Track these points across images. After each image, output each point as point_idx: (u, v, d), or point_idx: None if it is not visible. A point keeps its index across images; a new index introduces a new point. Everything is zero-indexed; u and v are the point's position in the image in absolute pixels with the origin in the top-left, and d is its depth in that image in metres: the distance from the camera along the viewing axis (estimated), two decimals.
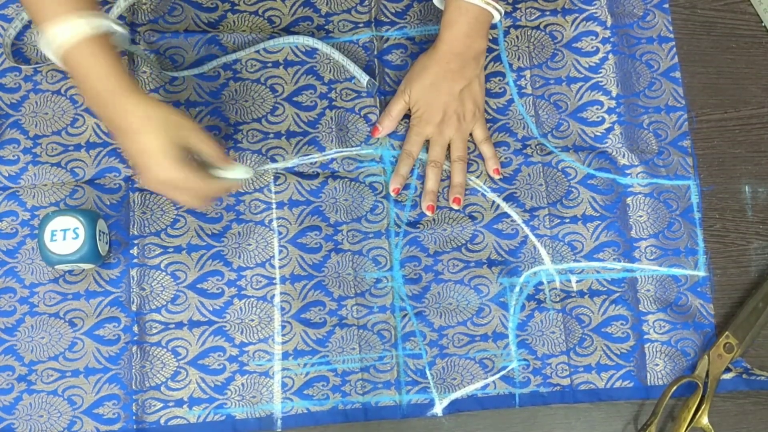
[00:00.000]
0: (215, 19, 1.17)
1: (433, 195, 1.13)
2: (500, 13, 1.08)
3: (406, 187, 1.14)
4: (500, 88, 1.18)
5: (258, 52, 1.16)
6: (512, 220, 1.15)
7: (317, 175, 1.14)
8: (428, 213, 1.13)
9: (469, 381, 1.11)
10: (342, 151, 1.15)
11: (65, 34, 0.91)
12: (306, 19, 1.18)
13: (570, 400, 1.11)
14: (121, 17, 1.16)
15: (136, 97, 0.95)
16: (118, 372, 1.09)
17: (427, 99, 1.11)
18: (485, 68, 1.18)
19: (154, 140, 0.95)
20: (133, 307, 1.10)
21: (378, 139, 1.15)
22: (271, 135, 1.15)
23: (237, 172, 1.03)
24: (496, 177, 1.14)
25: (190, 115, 1.01)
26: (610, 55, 1.18)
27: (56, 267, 1.07)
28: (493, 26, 1.18)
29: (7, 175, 1.13)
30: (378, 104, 1.16)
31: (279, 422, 1.09)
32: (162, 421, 1.09)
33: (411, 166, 1.14)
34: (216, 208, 1.13)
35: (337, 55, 1.16)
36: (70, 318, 1.10)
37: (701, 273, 1.14)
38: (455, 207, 1.13)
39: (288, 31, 1.17)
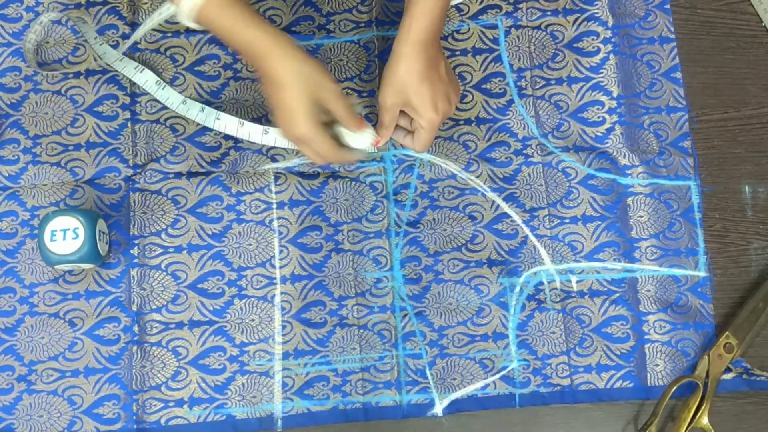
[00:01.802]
0: None
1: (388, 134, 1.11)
2: None
3: (406, 186, 1.14)
4: (500, 89, 1.18)
5: None
6: (512, 221, 1.15)
7: (318, 174, 1.14)
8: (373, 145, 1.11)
9: (469, 381, 1.11)
10: None
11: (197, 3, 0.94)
12: (307, 19, 1.18)
13: (570, 400, 1.11)
14: (121, 17, 1.16)
15: (283, 47, 0.98)
16: (118, 372, 1.09)
17: (427, 96, 1.06)
18: (485, 69, 1.18)
19: (296, 97, 0.99)
20: (134, 307, 1.10)
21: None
22: None
23: (360, 139, 1.06)
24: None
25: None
26: (611, 56, 1.18)
27: (56, 267, 1.07)
28: (494, 26, 1.18)
29: (7, 175, 1.13)
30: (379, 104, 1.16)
31: (279, 422, 1.09)
32: (162, 421, 1.09)
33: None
34: (216, 208, 1.13)
35: None
36: (70, 318, 1.10)
37: (702, 273, 1.14)
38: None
39: (289, 30, 1.17)
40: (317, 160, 1.05)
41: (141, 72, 1.14)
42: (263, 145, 1.14)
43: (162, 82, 1.14)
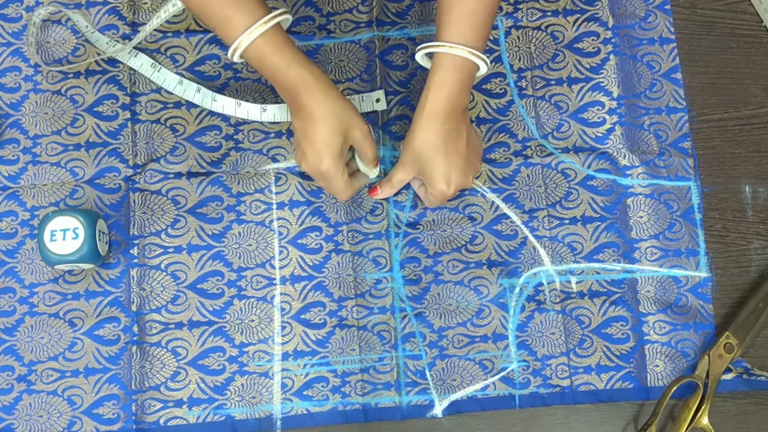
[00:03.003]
0: None
1: (389, 192, 1.13)
2: (487, 66, 1.03)
3: (405, 187, 1.14)
4: (501, 89, 1.17)
5: None
6: (512, 221, 1.15)
7: None
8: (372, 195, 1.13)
9: (469, 382, 1.11)
10: None
11: (246, 40, 0.98)
12: (307, 19, 1.18)
13: (570, 401, 1.11)
14: (121, 17, 1.16)
15: (324, 87, 1.01)
16: (117, 372, 1.09)
17: (442, 170, 1.05)
18: None
19: (329, 133, 1.02)
20: (133, 307, 1.10)
21: (380, 140, 1.15)
22: (272, 135, 1.15)
23: (373, 172, 1.09)
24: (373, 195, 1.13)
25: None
26: (612, 56, 1.18)
27: (56, 267, 1.07)
28: (494, 26, 1.17)
29: (6, 175, 1.13)
30: None
31: (279, 423, 1.09)
32: (161, 422, 1.09)
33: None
34: (217, 209, 1.13)
35: None
36: (69, 318, 1.10)
37: (702, 274, 1.14)
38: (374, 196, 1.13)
39: (289, 31, 1.16)
40: (330, 193, 1.09)
41: (135, 56, 1.14)
42: (264, 146, 1.14)
43: (157, 64, 1.14)
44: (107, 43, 1.15)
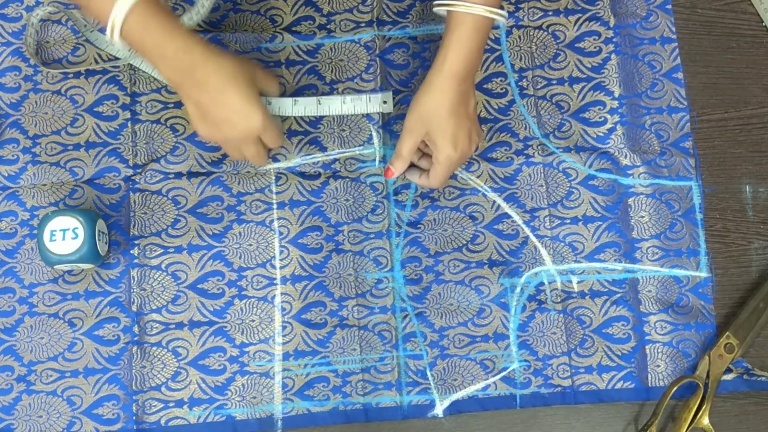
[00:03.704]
0: (217, 19, 1.17)
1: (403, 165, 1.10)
2: (505, 19, 1.02)
3: (406, 186, 1.14)
4: (502, 89, 1.17)
5: (259, 51, 1.16)
6: (513, 221, 1.14)
7: (319, 175, 1.14)
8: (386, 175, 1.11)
9: (470, 382, 1.11)
10: (344, 152, 1.15)
11: (118, 17, 0.92)
12: (308, 18, 1.18)
13: (571, 401, 1.11)
14: None
15: (214, 50, 0.98)
16: (117, 372, 1.09)
17: (450, 131, 1.04)
18: (487, 69, 1.18)
19: (245, 90, 0.99)
20: (134, 308, 1.10)
21: (381, 139, 1.15)
22: None
23: (285, 102, 1.10)
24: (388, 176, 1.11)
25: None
26: (613, 56, 1.18)
27: (56, 267, 1.07)
28: (495, 26, 1.17)
29: (6, 174, 1.12)
30: None
31: (279, 423, 1.09)
32: (162, 422, 1.09)
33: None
34: (217, 209, 1.13)
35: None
36: (69, 318, 1.10)
37: (703, 274, 1.14)
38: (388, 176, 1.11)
39: (290, 30, 1.17)
40: (274, 144, 1.07)
41: (136, 54, 1.14)
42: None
43: None
44: (107, 42, 1.14)
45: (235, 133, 1.00)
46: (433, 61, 1.03)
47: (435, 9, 1.03)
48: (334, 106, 1.13)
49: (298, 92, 1.16)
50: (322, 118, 1.15)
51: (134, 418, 1.08)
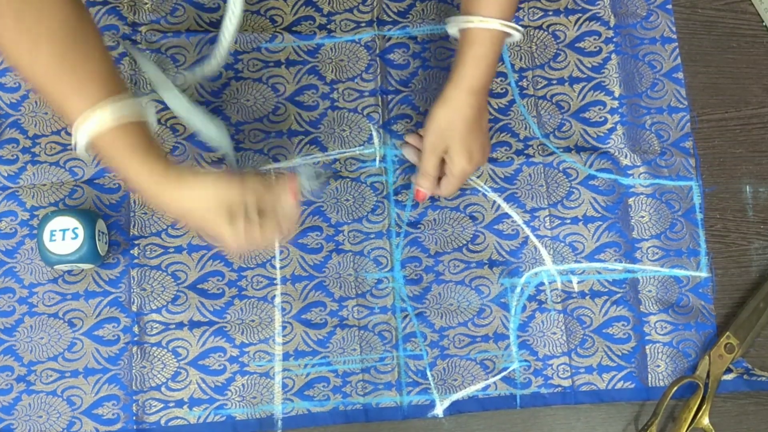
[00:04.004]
0: (217, 19, 1.17)
1: (429, 182, 1.10)
2: (521, 34, 1.02)
3: (406, 186, 1.14)
4: (502, 89, 1.17)
5: (259, 51, 1.16)
6: (513, 221, 1.14)
7: (319, 175, 1.14)
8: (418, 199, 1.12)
9: (470, 382, 1.11)
10: (345, 152, 1.15)
11: (90, 128, 0.86)
12: (308, 18, 1.18)
13: (571, 401, 1.11)
14: (121, 17, 1.16)
15: (179, 175, 0.90)
16: (117, 372, 1.09)
17: (469, 145, 1.05)
18: None
19: (220, 216, 0.91)
20: (133, 308, 1.10)
21: (381, 139, 1.15)
22: (273, 134, 1.15)
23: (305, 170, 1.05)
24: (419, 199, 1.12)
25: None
26: (613, 56, 1.18)
27: (55, 267, 1.07)
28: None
29: (6, 174, 1.12)
30: (380, 103, 1.16)
31: (279, 423, 1.09)
32: (162, 422, 1.09)
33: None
34: None
35: None
36: (69, 318, 1.10)
37: (703, 274, 1.14)
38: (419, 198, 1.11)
39: (290, 30, 1.17)
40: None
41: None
42: (265, 145, 1.14)
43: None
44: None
45: (220, 245, 0.96)
46: (450, 76, 1.04)
47: (449, 29, 1.04)
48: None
49: (298, 92, 1.16)
50: (322, 118, 1.15)
51: (134, 418, 1.08)
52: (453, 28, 1.03)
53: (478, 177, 1.15)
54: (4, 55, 0.87)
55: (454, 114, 1.04)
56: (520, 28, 1.01)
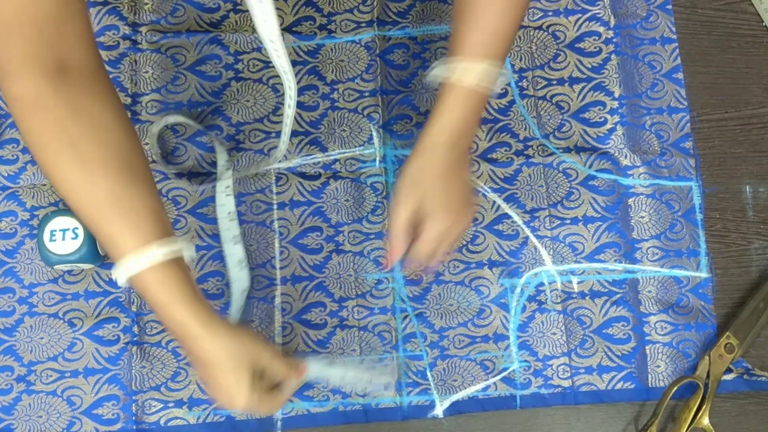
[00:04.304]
0: (217, 19, 1.17)
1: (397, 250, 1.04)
2: (506, 77, 0.97)
3: None
4: (501, 89, 1.17)
5: (260, 51, 1.16)
6: (513, 221, 1.14)
7: (319, 175, 1.14)
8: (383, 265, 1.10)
9: (470, 382, 1.11)
10: (345, 152, 1.15)
11: (135, 266, 0.87)
12: (308, 19, 1.18)
13: (571, 401, 1.11)
14: (122, 17, 1.15)
15: (211, 329, 0.90)
16: (117, 372, 1.09)
17: (441, 194, 0.99)
18: None
19: (229, 376, 0.91)
20: (133, 308, 1.10)
21: (381, 139, 1.15)
22: (273, 134, 1.15)
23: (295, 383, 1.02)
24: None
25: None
26: (613, 56, 1.18)
27: (55, 267, 1.07)
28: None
29: (6, 174, 1.12)
30: (380, 104, 1.16)
31: (279, 423, 1.09)
32: (162, 422, 1.08)
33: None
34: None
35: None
36: (69, 318, 1.10)
37: (703, 274, 1.14)
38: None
39: (290, 30, 1.17)
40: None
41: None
42: (265, 146, 1.14)
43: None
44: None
45: (221, 405, 0.95)
46: (424, 125, 0.98)
47: (427, 80, 1.00)
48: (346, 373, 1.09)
49: (299, 92, 1.15)
50: (323, 118, 1.15)
51: (134, 418, 1.08)
52: (433, 78, 0.98)
53: (477, 177, 1.15)
54: (55, 188, 0.88)
55: (424, 161, 0.98)
56: (507, 72, 0.97)
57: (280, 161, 1.14)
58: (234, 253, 1.09)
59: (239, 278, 1.10)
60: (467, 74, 0.94)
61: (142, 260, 0.86)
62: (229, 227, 1.11)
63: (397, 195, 1.00)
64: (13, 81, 0.82)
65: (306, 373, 1.00)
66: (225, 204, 1.12)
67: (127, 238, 0.86)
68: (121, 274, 0.87)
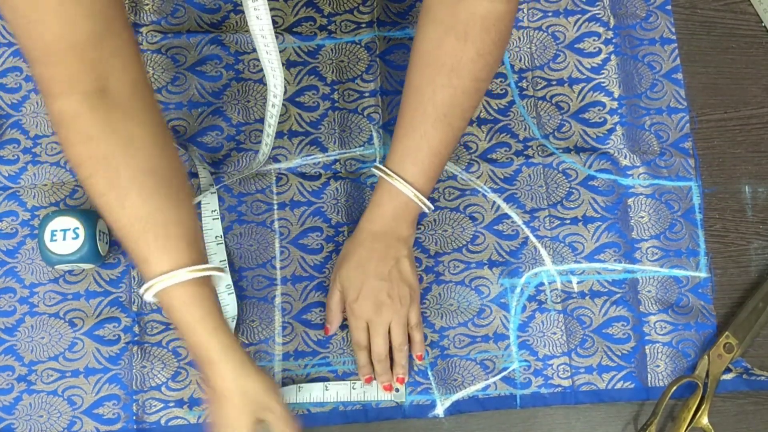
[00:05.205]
0: (218, 20, 1.17)
1: (387, 375, 1.08)
2: (430, 210, 1.04)
3: None
4: (501, 90, 1.17)
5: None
6: (513, 221, 1.15)
7: (319, 176, 1.14)
8: (387, 392, 1.09)
9: (470, 382, 1.11)
10: (345, 152, 1.15)
11: (164, 288, 0.89)
12: (308, 20, 1.18)
13: (571, 401, 1.11)
14: None
15: (233, 362, 0.92)
16: (118, 372, 1.09)
17: (356, 284, 1.05)
18: None
19: (237, 414, 0.93)
20: (134, 308, 1.10)
21: (381, 140, 1.15)
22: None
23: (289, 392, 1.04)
24: (418, 363, 1.10)
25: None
26: (613, 56, 1.18)
27: (56, 267, 1.07)
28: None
29: (7, 175, 1.12)
30: (380, 104, 1.16)
31: None
32: (162, 422, 1.09)
33: (368, 355, 1.08)
34: (218, 209, 1.13)
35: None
36: (70, 318, 1.10)
37: (703, 274, 1.14)
38: (399, 385, 1.09)
39: (290, 31, 1.17)
40: None
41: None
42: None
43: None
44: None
45: None
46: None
47: (373, 169, 1.06)
48: (342, 392, 1.10)
49: (299, 93, 1.16)
50: (323, 118, 1.15)
51: (134, 417, 1.08)
52: (373, 171, 1.06)
53: (477, 178, 1.15)
54: (92, 203, 0.90)
55: (347, 252, 1.07)
56: (430, 205, 1.03)
57: (279, 162, 1.14)
58: (221, 277, 1.09)
59: (229, 302, 1.10)
60: (397, 183, 1.01)
61: (170, 282, 0.88)
62: (216, 251, 1.12)
63: (332, 282, 1.09)
64: (56, 100, 0.84)
65: None
66: (212, 228, 1.12)
67: (158, 260, 0.88)
68: (149, 294, 0.89)
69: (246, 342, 1.10)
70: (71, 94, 0.84)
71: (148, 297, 0.90)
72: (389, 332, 1.07)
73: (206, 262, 0.91)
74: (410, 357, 1.10)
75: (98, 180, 0.87)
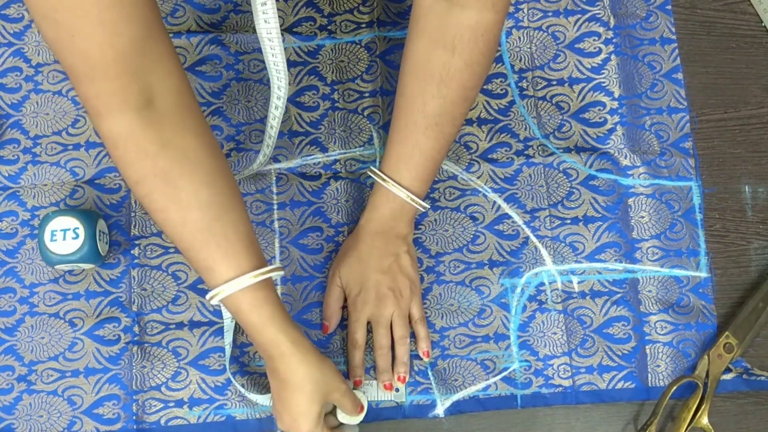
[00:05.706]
0: (218, 20, 1.17)
1: (389, 374, 1.09)
2: (425, 209, 1.06)
3: None
4: (502, 90, 1.17)
5: (260, 51, 1.16)
6: (513, 221, 1.15)
7: (320, 176, 1.14)
8: (387, 391, 1.09)
9: (470, 382, 1.11)
10: (345, 153, 1.15)
11: (230, 294, 0.92)
12: (309, 20, 1.18)
13: (572, 401, 1.11)
14: None
15: (302, 353, 0.96)
16: (118, 372, 1.09)
17: (357, 278, 1.08)
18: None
19: (307, 401, 0.97)
20: (134, 308, 1.10)
21: (381, 140, 1.15)
22: None
23: (356, 419, 1.05)
24: (425, 359, 1.11)
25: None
26: (613, 56, 1.18)
27: (56, 267, 1.07)
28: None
29: (7, 175, 1.12)
30: (380, 104, 1.16)
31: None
32: (162, 422, 1.08)
33: (363, 355, 1.09)
34: None
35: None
36: (70, 318, 1.10)
37: (703, 274, 1.14)
38: (400, 385, 1.09)
39: (291, 31, 1.17)
40: None
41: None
42: (265, 145, 1.14)
43: None
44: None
45: (281, 426, 1.01)
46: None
47: (369, 172, 1.08)
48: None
49: (299, 93, 1.16)
50: (323, 118, 1.15)
51: (134, 417, 1.08)
52: (369, 175, 1.09)
53: (478, 178, 1.15)
54: (151, 218, 0.92)
55: (349, 244, 1.10)
56: (426, 205, 1.06)
57: (279, 162, 1.14)
58: None
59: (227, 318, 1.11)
60: (393, 188, 1.04)
61: (235, 288, 0.92)
62: None
63: (329, 280, 1.11)
64: (105, 119, 0.85)
65: (364, 412, 1.05)
66: None
67: (222, 267, 0.92)
68: (215, 300, 0.93)
69: (246, 342, 1.10)
70: (120, 112, 0.84)
71: (214, 302, 0.93)
72: (391, 326, 1.08)
73: (265, 263, 0.94)
74: (411, 357, 1.10)
75: (158, 197, 0.88)
